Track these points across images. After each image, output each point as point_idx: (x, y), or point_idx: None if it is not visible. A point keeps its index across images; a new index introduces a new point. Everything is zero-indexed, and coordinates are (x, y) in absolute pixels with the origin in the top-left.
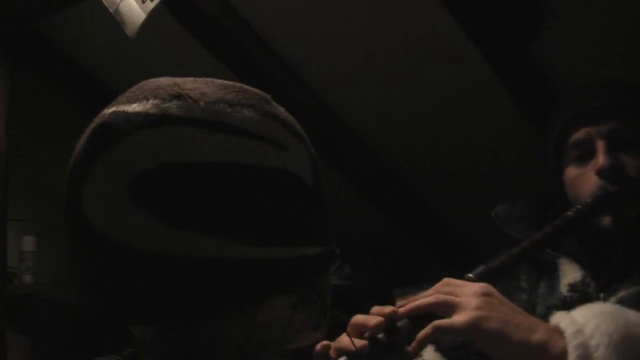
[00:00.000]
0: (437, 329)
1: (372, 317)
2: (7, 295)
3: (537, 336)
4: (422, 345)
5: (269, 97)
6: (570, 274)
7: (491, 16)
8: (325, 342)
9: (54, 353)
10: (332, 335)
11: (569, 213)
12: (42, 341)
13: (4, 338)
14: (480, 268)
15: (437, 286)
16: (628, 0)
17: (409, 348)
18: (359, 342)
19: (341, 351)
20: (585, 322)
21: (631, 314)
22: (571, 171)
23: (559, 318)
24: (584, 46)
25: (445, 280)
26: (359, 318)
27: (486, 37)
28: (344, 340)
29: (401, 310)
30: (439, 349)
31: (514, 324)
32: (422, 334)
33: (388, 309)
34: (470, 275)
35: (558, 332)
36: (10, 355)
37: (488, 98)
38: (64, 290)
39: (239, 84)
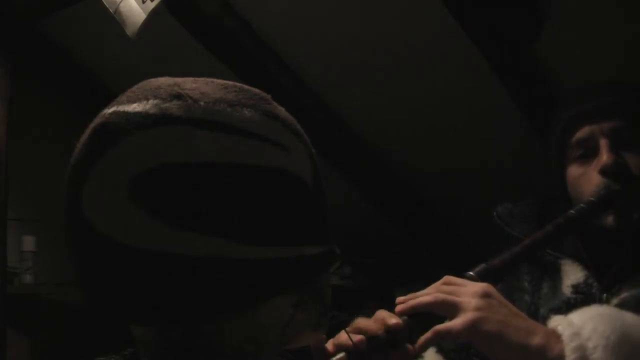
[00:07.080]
0: (438, 333)
1: (374, 323)
2: (7, 295)
3: (536, 339)
4: (423, 349)
5: (269, 97)
6: (572, 274)
7: (491, 16)
8: (321, 336)
9: (54, 353)
10: (332, 336)
11: (572, 212)
12: (42, 341)
13: (4, 338)
14: (481, 266)
15: (438, 284)
16: (628, 0)
17: (411, 349)
18: (358, 338)
19: (340, 347)
20: (583, 324)
21: (628, 316)
22: (574, 170)
23: (557, 321)
24: (584, 46)
25: (446, 278)
26: (361, 323)
27: (486, 37)
28: (343, 336)
29: (401, 307)
30: (440, 350)
31: (513, 326)
32: (423, 338)
33: (393, 320)
34: (471, 273)
35: (555, 335)
36: (10, 355)
37: (488, 98)
38: (64, 290)
39: (239, 84)
